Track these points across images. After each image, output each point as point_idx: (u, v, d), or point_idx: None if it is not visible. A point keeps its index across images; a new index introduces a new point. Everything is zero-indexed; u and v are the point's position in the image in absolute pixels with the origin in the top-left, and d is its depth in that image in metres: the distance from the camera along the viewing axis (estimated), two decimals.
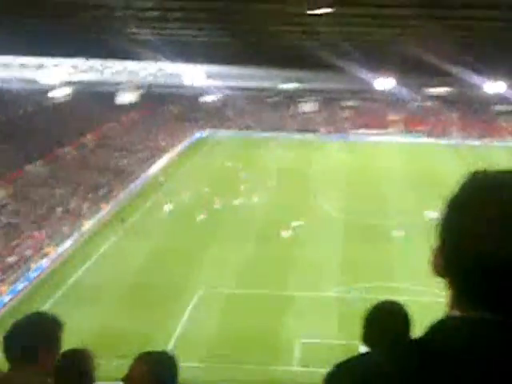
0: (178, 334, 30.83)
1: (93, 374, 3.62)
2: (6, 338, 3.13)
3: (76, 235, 44.96)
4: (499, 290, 1.11)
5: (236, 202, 50.38)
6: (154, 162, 65.84)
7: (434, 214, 41.55)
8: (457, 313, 1.17)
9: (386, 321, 3.27)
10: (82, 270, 39.31)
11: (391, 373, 1.11)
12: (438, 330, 1.18)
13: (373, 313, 3.39)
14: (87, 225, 47.01)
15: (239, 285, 36.59)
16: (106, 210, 50.65)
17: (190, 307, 34.20)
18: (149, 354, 3.50)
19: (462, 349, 1.09)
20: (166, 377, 3.36)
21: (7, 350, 3.11)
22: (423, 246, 38.88)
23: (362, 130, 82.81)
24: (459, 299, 1.18)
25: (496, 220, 1.09)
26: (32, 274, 38.26)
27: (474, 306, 1.14)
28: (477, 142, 76.61)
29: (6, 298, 35.01)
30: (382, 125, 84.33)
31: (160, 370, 3.36)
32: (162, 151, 70.59)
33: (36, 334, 3.12)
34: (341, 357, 1.46)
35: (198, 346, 29.18)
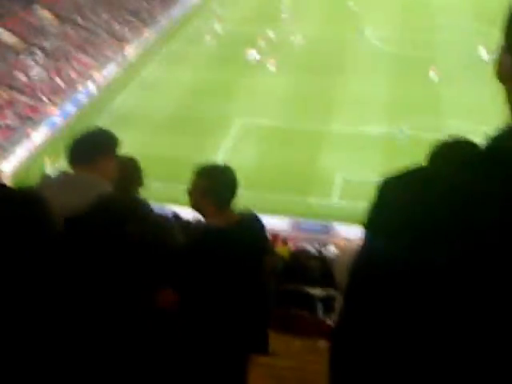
0: (220, 162, 31.16)
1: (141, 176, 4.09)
2: (70, 146, 3.39)
3: (119, 60, 45.31)
4: None
5: (280, 34, 48.50)
6: None
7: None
8: None
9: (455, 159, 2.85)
10: (124, 96, 39.75)
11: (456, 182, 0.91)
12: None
13: (440, 149, 2.90)
14: (130, 50, 47.15)
15: (280, 117, 36.34)
16: (147, 35, 50.40)
17: (231, 137, 34.48)
18: (206, 167, 3.65)
19: None
20: (224, 188, 3.52)
21: (71, 157, 3.36)
22: (474, 84, 38.19)
23: None
24: None
25: None
26: (80, 97, 39.09)
27: None
28: None
29: (57, 120, 36.09)
30: None
31: (215, 183, 3.50)
32: None
33: (98, 142, 3.45)
34: None
35: (238, 174, 29.03)
